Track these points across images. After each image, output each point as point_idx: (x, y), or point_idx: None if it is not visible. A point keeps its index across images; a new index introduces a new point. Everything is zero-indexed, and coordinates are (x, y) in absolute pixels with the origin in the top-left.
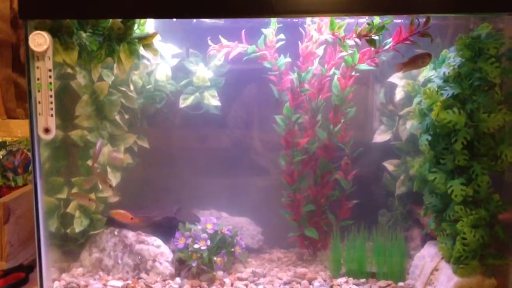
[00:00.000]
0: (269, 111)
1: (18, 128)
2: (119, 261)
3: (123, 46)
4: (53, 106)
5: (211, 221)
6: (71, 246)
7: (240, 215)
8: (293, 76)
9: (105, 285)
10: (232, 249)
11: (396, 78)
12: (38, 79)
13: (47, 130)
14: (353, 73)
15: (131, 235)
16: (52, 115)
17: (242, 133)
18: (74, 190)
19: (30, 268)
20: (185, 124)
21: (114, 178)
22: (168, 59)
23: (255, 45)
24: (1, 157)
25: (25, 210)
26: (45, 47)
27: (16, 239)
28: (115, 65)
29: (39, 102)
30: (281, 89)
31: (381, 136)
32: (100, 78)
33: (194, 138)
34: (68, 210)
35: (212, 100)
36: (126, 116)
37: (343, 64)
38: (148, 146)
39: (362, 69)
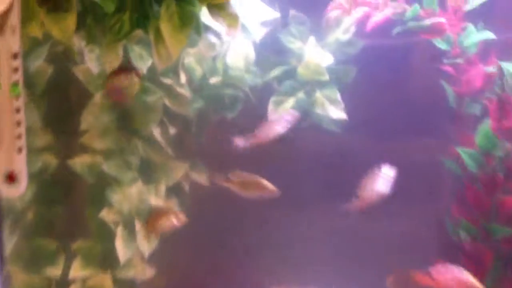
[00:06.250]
0: (436, 132)
1: None
2: None
3: (170, 6)
4: (22, 131)
5: None
6: None
7: None
8: (504, 67)
9: None
10: None
11: None
12: None
13: (11, 178)
14: None
15: None
16: (20, 149)
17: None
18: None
19: None
20: (277, 147)
21: (146, 246)
22: (251, 28)
23: (419, 5)
24: None
25: None
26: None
27: None
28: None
29: None
30: (464, 93)
31: None
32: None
33: (289, 174)
34: None
35: (331, 107)
36: (172, 130)
37: None
38: (208, 183)
39: None
